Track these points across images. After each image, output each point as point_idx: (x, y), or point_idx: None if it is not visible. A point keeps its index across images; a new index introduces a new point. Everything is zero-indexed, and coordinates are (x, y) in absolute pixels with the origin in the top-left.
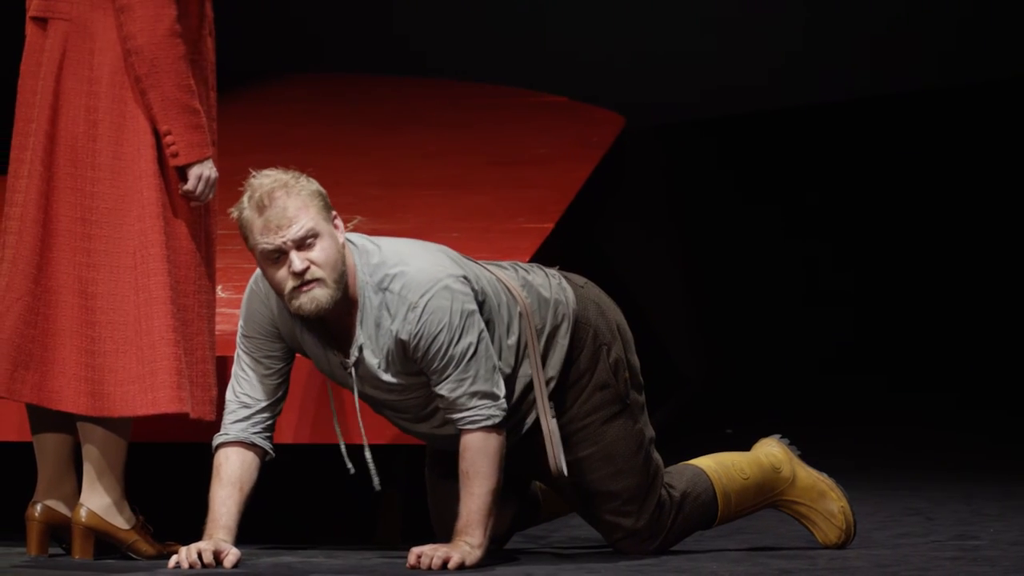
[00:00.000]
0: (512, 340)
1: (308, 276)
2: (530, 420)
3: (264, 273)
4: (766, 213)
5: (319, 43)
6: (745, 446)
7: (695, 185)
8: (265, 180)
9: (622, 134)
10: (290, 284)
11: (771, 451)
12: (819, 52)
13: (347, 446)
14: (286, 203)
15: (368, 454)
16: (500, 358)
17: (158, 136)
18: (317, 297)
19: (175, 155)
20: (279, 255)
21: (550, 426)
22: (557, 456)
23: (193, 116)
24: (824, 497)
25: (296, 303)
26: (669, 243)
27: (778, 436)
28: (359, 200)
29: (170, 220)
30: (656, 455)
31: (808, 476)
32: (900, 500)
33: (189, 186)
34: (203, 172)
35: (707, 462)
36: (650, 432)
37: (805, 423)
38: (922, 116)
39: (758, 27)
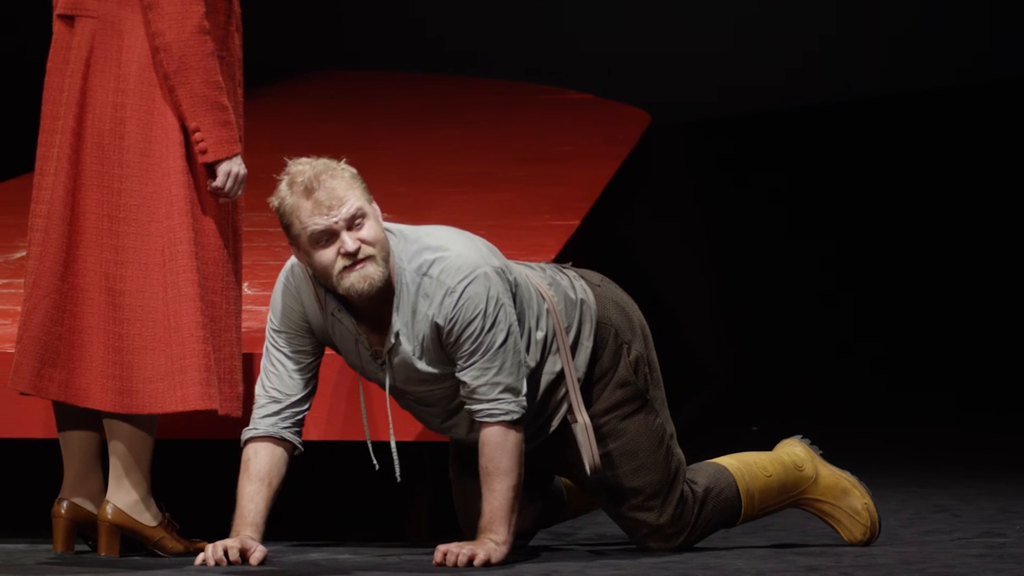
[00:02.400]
0: (541, 335)
1: (360, 255)
2: (557, 420)
3: (310, 258)
4: (791, 212)
5: (346, 41)
6: (771, 443)
7: (721, 182)
8: (306, 167)
9: (648, 131)
10: (340, 264)
11: (793, 450)
12: (844, 50)
13: (374, 442)
14: (333, 184)
15: (393, 445)
16: (527, 351)
17: (186, 133)
18: (370, 274)
19: (204, 152)
20: (329, 237)
21: (585, 419)
22: (593, 450)
23: (221, 113)
24: (847, 495)
25: (347, 282)
26: (695, 240)
27: (799, 436)
28: (384, 197)
29: (198, 217)
30: (678, 450)
31: (831, 474)
32: (926, 497)
33: (218, 183)
34: (232, 168)
35: (729, 460)
36: (671, 427)
37: (829, 421)
38: (940, 115)
39: (784, 25)
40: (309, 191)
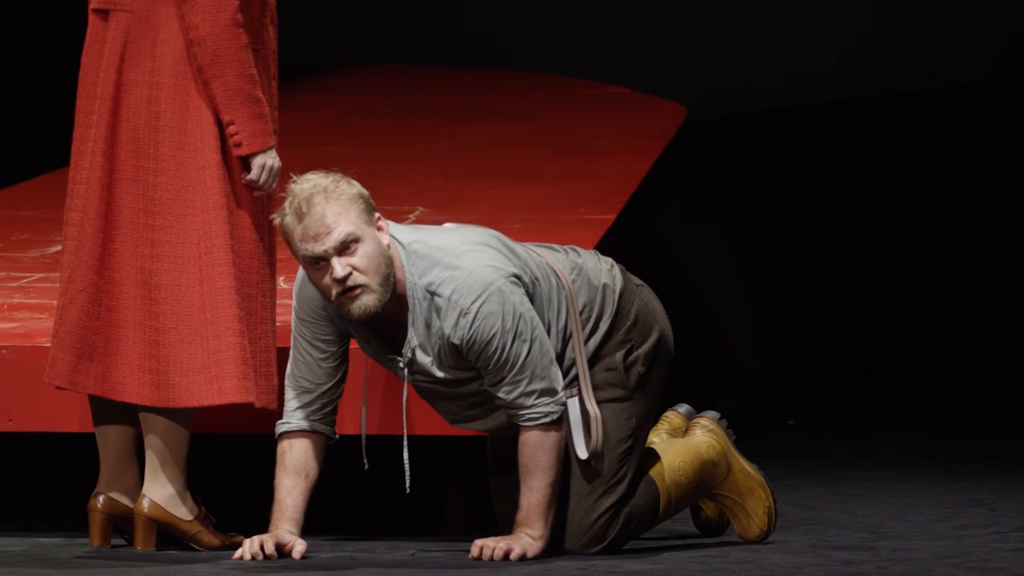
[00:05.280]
0: (561, 324)
1: (350, 282)
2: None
3: (309, 278)
4: (825, 208)
5: (382, 33)
6: (804, 439)
7: (756, 177)
8: (305, 185)
9: (684, 125)
10: (335, 290)
11: (712, 443)
12: (884, 42)
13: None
14: (324, 209)
15: (406, 454)
16: (548, 338)
17: (221, 126)
18: (365, 304)
19: (238, 145)
20: (321, 261)
21: (595, 410)
22: (597, 439)
23: (256, 106)
24: (752, 494)
25: (344, 310)
26: (730, 234)
27: (717, 416)
28: (422, 191)
29: (234, 210)
30: (632, 472)
31: (741, 470)
32: (963, 491)
33: (252, 176)
34: (266, 162)
35: (659, 469)
36: (640, 448)
37: (862, 417)
38: (977, 110)
39: (821, 19)
40: (300, 215)
